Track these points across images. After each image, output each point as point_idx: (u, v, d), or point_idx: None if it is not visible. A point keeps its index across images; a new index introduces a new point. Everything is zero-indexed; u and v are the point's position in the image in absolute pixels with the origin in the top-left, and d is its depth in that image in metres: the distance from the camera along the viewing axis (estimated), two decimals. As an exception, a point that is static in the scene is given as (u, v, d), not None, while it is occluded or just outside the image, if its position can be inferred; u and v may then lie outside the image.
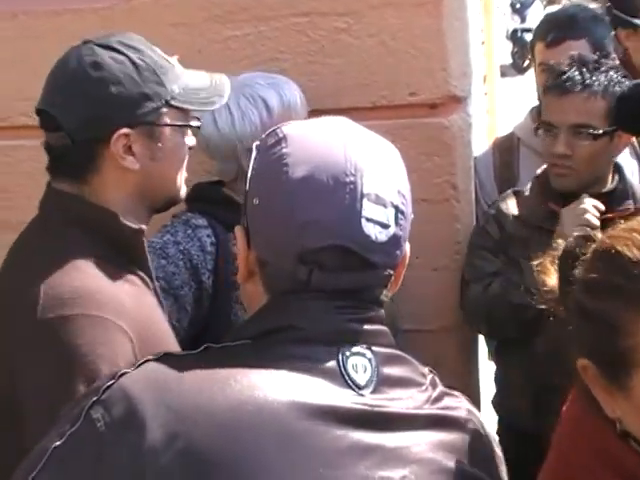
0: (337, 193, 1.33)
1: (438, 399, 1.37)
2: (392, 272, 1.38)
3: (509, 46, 13.71)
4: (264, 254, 1.37)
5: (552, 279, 1.44)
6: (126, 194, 1.82)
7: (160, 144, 1.82)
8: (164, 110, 1.81)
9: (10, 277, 1.80)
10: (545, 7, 13.24)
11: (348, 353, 1.32)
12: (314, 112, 2.74)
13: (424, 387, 1.37)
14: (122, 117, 1.77)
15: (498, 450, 1.45)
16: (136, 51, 1.80)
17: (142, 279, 1.82)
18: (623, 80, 2.58)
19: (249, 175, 1.39)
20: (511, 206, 2.69)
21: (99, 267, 1.73)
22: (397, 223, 1.36)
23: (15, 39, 2.78)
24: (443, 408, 1.37)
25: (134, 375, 1.29)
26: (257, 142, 1.43)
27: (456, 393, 1.43)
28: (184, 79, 1.85)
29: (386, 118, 2.73)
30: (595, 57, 2.65)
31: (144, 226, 1.83)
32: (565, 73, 2.57)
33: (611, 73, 2.59)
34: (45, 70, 2.69)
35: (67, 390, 1.55)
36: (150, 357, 1.33)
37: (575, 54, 2.70)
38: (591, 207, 2.50)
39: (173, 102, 1.82)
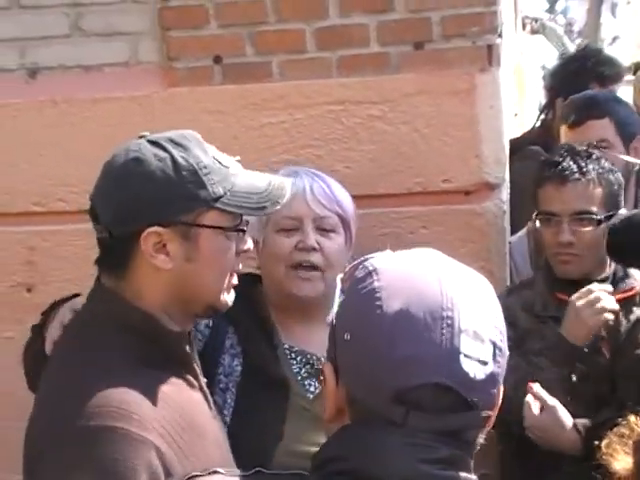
0: (435, 329, 1.27)
1: None
2: (490, 413, 1.31)
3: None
4: (356, 391, 1.30)
5: (621, 463, 1.30)
6: (161, 294, 1.76)
7: (197, 245, 1.74)
8: (203, 211, 1.73)
9: (49, 377, 1.79)
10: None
11: None
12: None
13: None
14: (152, 215, 1.72)
15: None
16: (183, 149, 1.74)
17: (184, 378, 1.77)
18: (613, 168, 2.59)
19: (337, 308, 1.37)
20: (517, 301, 2.62)
21: (135, 371, 1.68)
22: (495, 360, 1.30)
23: (55, 126, 2.84)
24: None
25: None
26: (342, 274, 1.41)
27: None
28: (235, 181, 1.77)
29: (421, 205, 2.76)
30: (584, 147, 2.63)
31: (187, 328, 1.80)
32: (560, 163, 2.55)
33: (602, 161, 2.58)
34: (83, 157, 2.77)
35: None
36: (199, 473, 1.36)
37: (565, 144, 2.71)
38: (603, 293, 2.43)
39: (215, 204, 1.73)
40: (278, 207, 1.82)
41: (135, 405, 1.63)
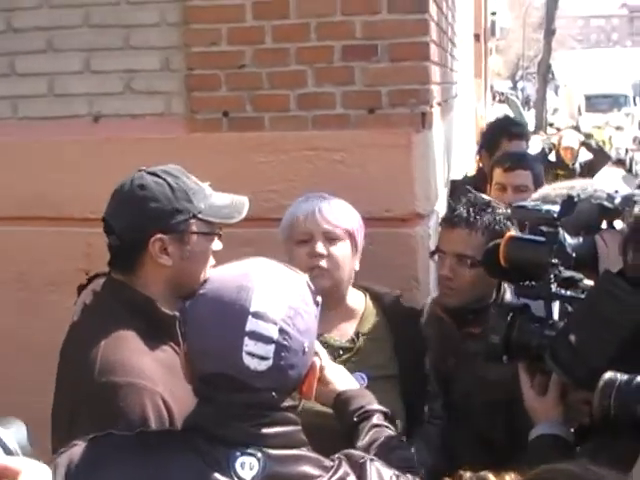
0: (225, 330, 1.43)
1: None
2: (277, 394, 1.44)
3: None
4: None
5: None
6: (163, 285, 1.96)
7: (189, 247, 1.95)
8: (192, 221, 1.94)
9: (76, 341, 1.97)
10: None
11: (238, 453, 1.42)
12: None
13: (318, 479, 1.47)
14: (157, 225, 1.92)
15: None
16: (174, 177, 1.96)
17: (173, 348, 1.95)
18: (506, 222, 2.51)
19: None
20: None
21: (141, 340, 1.89)
22: (278, 356, 1.43)
23: (109, 156, 3.11)
24: None
25: (78, 448, 1.47)
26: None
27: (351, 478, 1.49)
28: (211, 199, 1.99)
29: (369, 227, 2.75)
30: (487, 200, 2.63)
31: (177, 313, 1.92)
32: (455, 210, 2.56)
33: (497, 215, 2.53)
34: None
35: None
36: (98, 434, 1.50)
37: (471, 196, 2.65)
38: None
39: (200, 215, 1.95)
40: (241, 217, 2.01)
41: (147, 366, 1.84)
